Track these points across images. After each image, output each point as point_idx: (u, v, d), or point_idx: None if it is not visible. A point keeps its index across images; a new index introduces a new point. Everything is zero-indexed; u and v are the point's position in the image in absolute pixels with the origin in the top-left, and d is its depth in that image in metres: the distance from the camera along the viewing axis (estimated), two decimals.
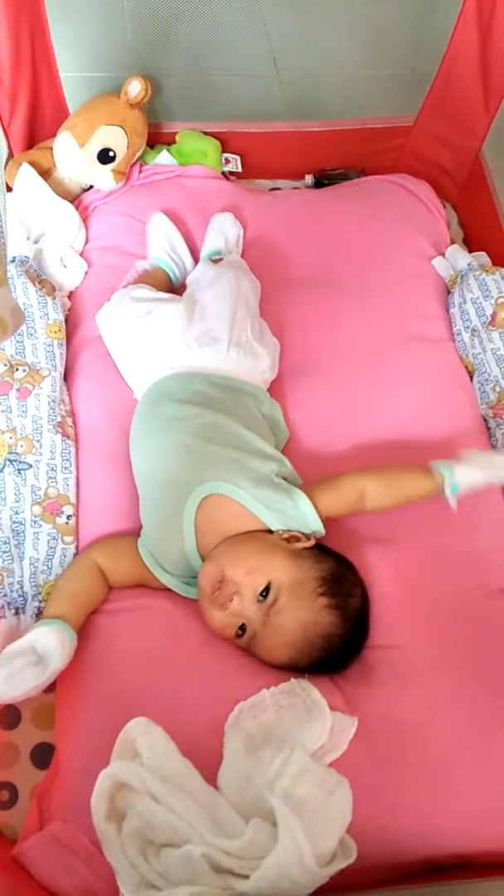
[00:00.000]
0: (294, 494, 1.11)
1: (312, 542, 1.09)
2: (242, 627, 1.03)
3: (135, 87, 1.52)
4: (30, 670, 0.97)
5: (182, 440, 1.15)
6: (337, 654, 1.04)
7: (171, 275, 1.48)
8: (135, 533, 1.15)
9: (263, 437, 1.19)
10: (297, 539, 1.09)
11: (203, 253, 1.52)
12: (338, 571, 1.07)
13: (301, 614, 1.01)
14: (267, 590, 1.01)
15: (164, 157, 1.66)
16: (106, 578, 1.11)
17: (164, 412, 1.20)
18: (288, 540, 1.08)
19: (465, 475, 1.15)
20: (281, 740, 0.94)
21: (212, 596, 1.03)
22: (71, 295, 1.46)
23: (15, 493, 1.19)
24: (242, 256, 1.53)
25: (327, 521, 1.14)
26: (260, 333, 1.31)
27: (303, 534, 1.10)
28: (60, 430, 1.25)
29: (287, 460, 1.19)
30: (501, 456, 1.19)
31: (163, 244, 1.49)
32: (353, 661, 1.08)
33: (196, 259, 1.53)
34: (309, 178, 1.80)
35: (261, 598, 1.01)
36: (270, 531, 1.10)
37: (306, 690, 1.01)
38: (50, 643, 0.99)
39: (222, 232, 1.53)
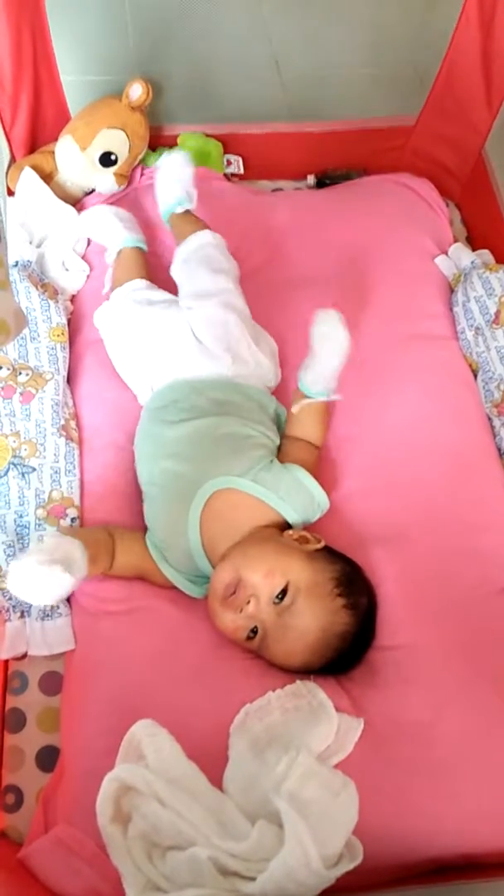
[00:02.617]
0: (292, 469, 1.15)
1: (322, 544, 1.09)
2: (254, 630, 1.03)
3: (136, 90, 1.52)
4: (58, 575, 0.96)
5: (187, 442, 1.16)
6: (348, 653, 1.04)
7: (145, 247, 1.46)
8: None
9: (264, 429, 1.20)
10: (307, 540, 1.09)
11: (164, 208, 1.45)
12: (350, 572, 1.07)
13: (320, 615, 1.01)
14: (284, 592, 1.01)
15: None
16: (113, 554, 1.11)
17: (169, 416, 1.20)
18: (299, 541, 1.08)
19: (316, 380, 1.22)
20: (287, 742, 0.93)
21: (225, 599, 1.03)
22: (73, 298, 1.46)
23: (19, 497, 1.19)
24: (246, 259, 1.53)
25: (331, 522, 1.13)
26: (257, 339, 1.30)
27: (312, 536, 1.10)
28: (64, 434, 1.25)
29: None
30: (330, 340, 1.22)
31: (117, 225, 1.45)
32: (361, 661, 1.08)
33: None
34: (311, 179, 1.80)
35: (277, 600, 1.01)
36: (281, 531, 1.11)
37: (312, 692, 1.01)
38: (75, 552, 0.99)
39: (178, 179, 1.45)
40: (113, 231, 1.45)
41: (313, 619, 1.01)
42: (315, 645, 1.01)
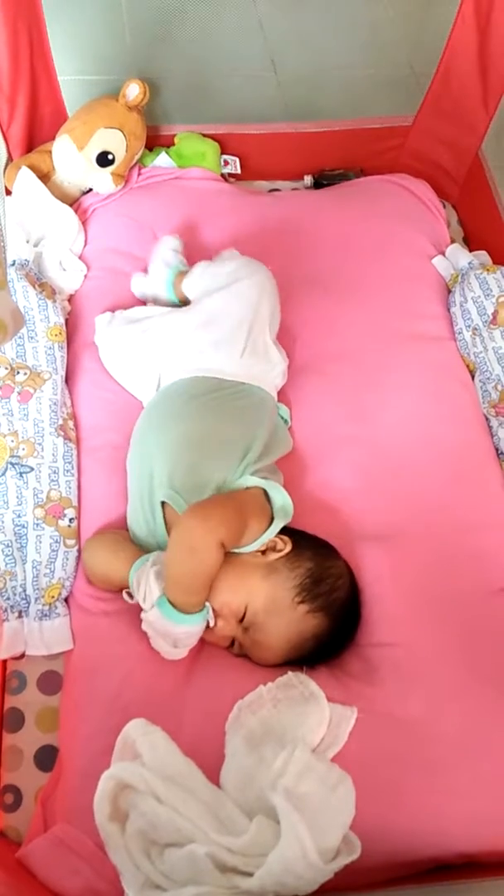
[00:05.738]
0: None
1: (288, 549, 1.08)
2: (232, 641, 1.06)
3: (133, 90, 1.52)
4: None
5: (160, 445, 1.16)
6: (330, 644, 1.06)
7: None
8: None
9: (248, 443, 1.17)
10: (273, 548, 1.08)
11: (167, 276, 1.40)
12: (315, 572, 1.06)
13: (282, 628, 1.03)
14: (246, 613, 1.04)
15: (162, 159, 1.67)
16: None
17: (161, 413, 1.21)
18: (264, 552, 1.08)
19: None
20: (281, 735, 0.93)
21: None
22: (70, 298, 1.46)
23: (17, 497, 1.19)
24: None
25: (329, 521, 1.13)
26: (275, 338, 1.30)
27: (281, 539, 1.09)
28: (62, 433, 1.25)
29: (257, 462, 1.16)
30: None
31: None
32: (348, 646, 1.09)
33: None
34: (308, 179, 1.80)
35: (241, 619, 1.04)
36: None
37: (304, 683, 1.02)
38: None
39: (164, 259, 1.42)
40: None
41: (275, 633, 1.04)
42: (287, 650, 1.04)
